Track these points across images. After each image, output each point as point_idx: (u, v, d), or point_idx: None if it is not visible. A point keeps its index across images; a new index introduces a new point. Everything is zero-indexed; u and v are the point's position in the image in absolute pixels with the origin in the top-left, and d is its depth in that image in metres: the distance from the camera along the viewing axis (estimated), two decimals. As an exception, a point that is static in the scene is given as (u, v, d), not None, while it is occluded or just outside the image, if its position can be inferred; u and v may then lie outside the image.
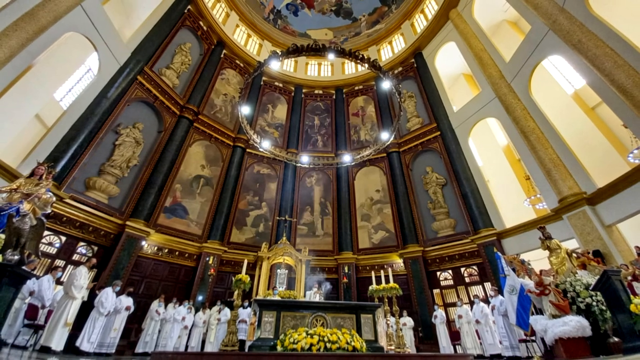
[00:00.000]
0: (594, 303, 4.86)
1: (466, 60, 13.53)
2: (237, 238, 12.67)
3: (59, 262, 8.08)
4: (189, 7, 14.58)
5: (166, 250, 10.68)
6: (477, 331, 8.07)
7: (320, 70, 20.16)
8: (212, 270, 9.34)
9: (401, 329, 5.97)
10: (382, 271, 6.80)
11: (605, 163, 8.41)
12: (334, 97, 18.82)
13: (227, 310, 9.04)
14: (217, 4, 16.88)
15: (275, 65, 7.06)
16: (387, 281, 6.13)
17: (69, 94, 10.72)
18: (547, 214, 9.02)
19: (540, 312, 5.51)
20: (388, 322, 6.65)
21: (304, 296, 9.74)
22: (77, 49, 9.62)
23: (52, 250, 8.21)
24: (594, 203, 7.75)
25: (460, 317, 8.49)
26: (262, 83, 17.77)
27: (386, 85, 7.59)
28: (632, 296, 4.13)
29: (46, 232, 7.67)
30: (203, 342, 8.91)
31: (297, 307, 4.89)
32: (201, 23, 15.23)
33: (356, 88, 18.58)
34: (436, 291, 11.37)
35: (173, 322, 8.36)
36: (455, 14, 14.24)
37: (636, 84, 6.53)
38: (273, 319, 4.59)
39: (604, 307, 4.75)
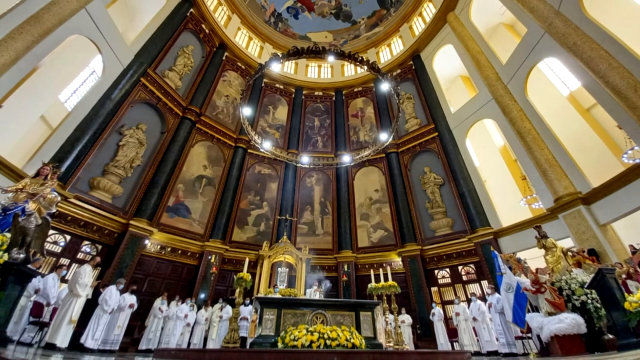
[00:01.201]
0: (589, 301, 4.94)
1: (463, 62, 13.65)
2: (238, 237, 12.80)
3: (64, 261, 8.14)
4: (192, 10, 14.73)
5: (169, 249, 10.80)
6: (474, 328, 8.14)
7: (320, 72, 20.29)
8: (214, 268, 9.44)
9: (399, 326, 6.06)
10: (381, 269, 6.93)
11: (600, 163, 8.51)
12: (333, 98, 18.96)
13: (228, 308, 9.12)
14: (219, 8, 17.04)
15: (276, 67, 7.19)
16: (386, 279, 6.24)
17: (73, 95, 10.85)
18: (543, 214, 9.11)
19: (536, 309, 5.60)
20: (387, 319, 6.78)
21: (305, 294, 9.85)
22: (81, 51, 9.75)
23: (57, 249, 8.32)
24: (589, 202, 7.84)
25: (457, 314, 8.56)
26: (263, 85, 17.92)
27: (385, 87, 7.70)
28: (626, 294, 4.19)
29: (51, 231, 7.74)
30: (205, 339, 9.01)
31: (298, 304, 4.96)
32: (203, 26, 15.39)
33: (355, 90, 18.72)
34: (434, 289, 11.46)
35: (176, 320, 8.45)
36: (453, 17, 14.38)
37: (630, 85, 6.59)
38: (274, 316, 4.66)
39: (598, 305, 4.83)
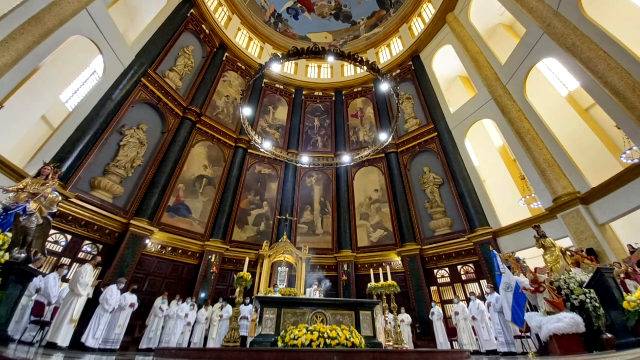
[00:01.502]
0: (588, 300, 4.95)
1: (463, 63, 13.68)
2: (239, 237, 12.83)
3: (65, 260, 8.16)
4: (192, 11, 14.77)
5: (170, 249, 10.84)
6: (473, 328, 8.17)
7: (320, 72, 20.32)
8: (214, 268, 9.45)
9: (399, 326, 6.09)
10: (380, 269, 6.93)
11: (598, 163, 8.54)
12: (333, 99, 19.01)
13: (229, 307, 9.15)
14: (220, 8, 17.09)
15: (276, 68, 7.23)
16: (386, 279, 6.24)
17: (74, 96, 10.88)
18: (542, 213, 9.12)
19: (535, 309, 5.61)
20: (386, 318, 6.83)
21: (305, 293, 9.89)
22: (82, 52, 9.78)
23: (58, 249, 8.35)
24: (588, 202, 7.87)
25: (457, 314, 8.57)
26: (263, 85, 17.96)
27: (385, 87, 7.73)
28: (624, 293, 4.20)
29: (52, 231, 7.78)
30: (206, 338, 9.03)
31: (298, 304, 4.97)
32: (204, 27, 15.43)
33: (355, 90, 18.76)
34: (433, 289, 11.47)
35: (176, 319, 8.48)
36: (452, 17, 14.42)
37: (629, 86, 6.61)
38: (274, 315, 4.67)
39: (597, 304, 4.83)
